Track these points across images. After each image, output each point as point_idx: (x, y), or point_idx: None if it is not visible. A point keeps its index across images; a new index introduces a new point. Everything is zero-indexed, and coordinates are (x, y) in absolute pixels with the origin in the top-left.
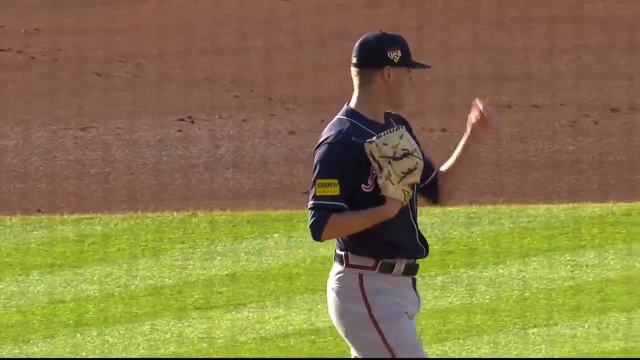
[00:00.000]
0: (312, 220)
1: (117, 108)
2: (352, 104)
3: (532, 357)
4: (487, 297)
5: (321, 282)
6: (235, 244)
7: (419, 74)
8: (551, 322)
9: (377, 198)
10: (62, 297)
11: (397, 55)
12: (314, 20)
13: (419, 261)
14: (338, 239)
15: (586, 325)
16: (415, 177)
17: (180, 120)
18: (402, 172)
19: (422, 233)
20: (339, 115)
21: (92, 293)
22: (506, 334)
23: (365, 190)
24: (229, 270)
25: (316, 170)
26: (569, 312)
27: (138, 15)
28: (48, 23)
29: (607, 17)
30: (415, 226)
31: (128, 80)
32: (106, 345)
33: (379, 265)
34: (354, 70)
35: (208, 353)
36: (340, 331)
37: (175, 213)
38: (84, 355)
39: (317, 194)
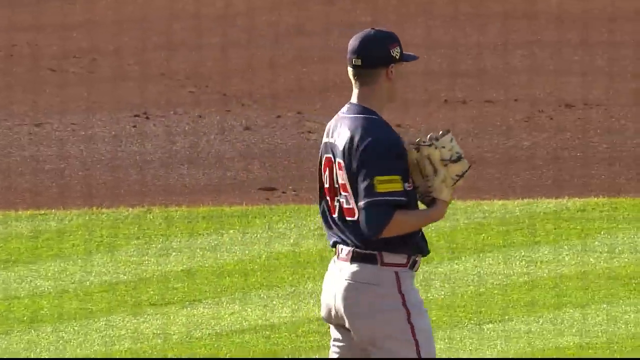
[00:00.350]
0: (374, 217)
1: (72, 104)
2: (362, 102)
3: (487, 353)
4: (442, 292)
5: (276, 278)
6: (190, 240)
7: None
8: (506, 317)
9: (413, 197)
10: (16, 293)
11: (397, 52)
12: (269, 16)
13: None
14: (357, 238)
15: (541, 321)
16: (464, 180)
17: (136, 116)
18: (457, 175)
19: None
20: (359, 115)
21: (46, 289)
22: (461, 329)
23: (408, 189)
24: (185, 266)
25: (375, 168)
26: (524, 308)
27: (93, 11)
28: (3, 19)
29: (560, 14)
30: None
31: (83, 76)
32: (61, 342)
33: (410, 262)
34: (356, 71)
35: (163, 349)
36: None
37: (130, 209)
38: (38, 351)
39: (380, 190)
